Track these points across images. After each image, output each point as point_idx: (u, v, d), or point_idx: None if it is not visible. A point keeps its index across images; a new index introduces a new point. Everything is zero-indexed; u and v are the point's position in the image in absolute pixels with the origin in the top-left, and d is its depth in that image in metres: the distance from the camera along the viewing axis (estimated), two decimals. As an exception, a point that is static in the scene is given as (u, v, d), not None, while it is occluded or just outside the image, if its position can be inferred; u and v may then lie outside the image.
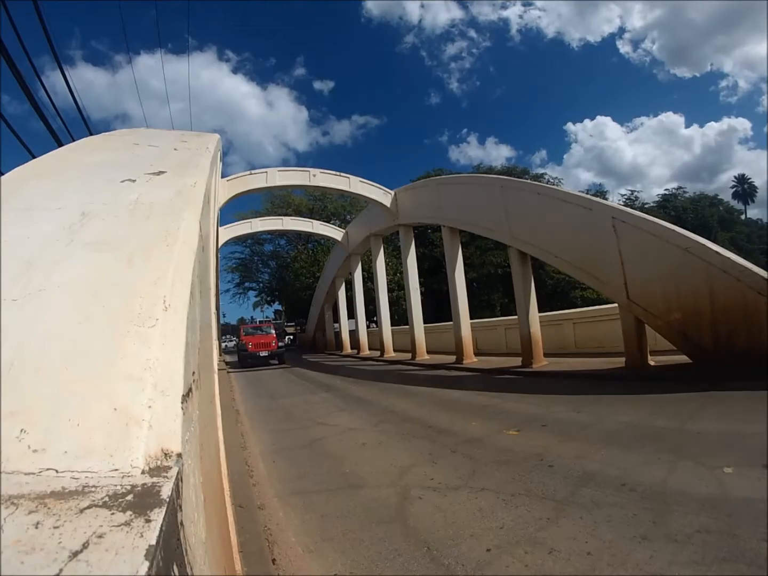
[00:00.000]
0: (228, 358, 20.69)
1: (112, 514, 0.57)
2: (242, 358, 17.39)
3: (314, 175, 12.85)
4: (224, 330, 43.55)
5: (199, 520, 0.84)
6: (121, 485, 0.63)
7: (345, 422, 5.73)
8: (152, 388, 0.79)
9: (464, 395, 6.90)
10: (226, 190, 11.50)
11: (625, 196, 40.55)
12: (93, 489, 0.62)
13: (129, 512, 0.58)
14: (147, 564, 0.50)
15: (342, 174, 13.23)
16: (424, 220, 13.99)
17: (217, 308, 19.66)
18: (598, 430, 4.10)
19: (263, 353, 16.94)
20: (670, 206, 37.89)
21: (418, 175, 29.53)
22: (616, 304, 7.62)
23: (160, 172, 1.56)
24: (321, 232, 19.57)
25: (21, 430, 0.69)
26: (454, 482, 3.19)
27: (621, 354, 7.33)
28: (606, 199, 27.17)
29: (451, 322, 11.62)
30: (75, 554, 0.50)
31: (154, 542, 0.53)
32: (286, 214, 24.17)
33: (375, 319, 19.12)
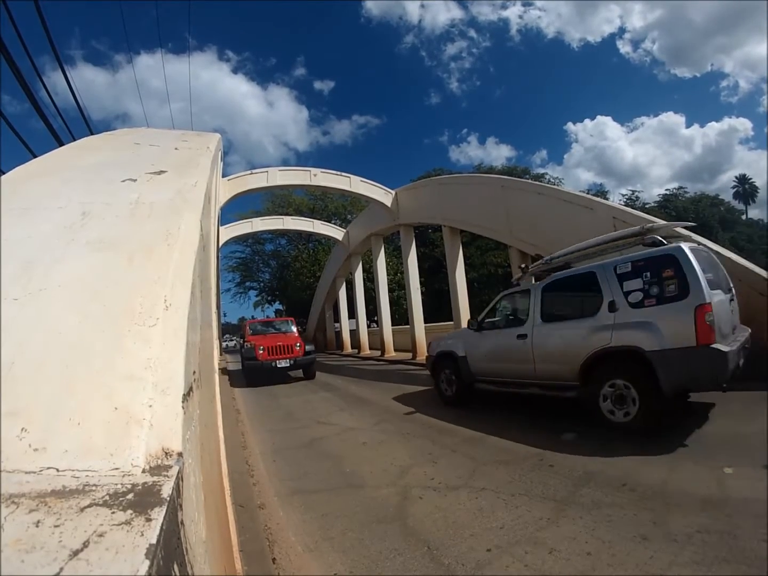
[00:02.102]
0: (229, 358, 20.48)
1: (113, 513, 0.57)
2: (249, 371, 10.36)
3: (315, 175, 12.82)
4: (224, 330, 43.61)
5: (200, 519, 0.84)
6: (121, 484, 0.63)
7: (345, 421, 5.73)
8: (153, 388, 0.79)
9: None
10: (226, 189, 11.48)
11: (626, 196, 40.69)
12: (93, 488, 0.62)
13: (129, 511, 0.58)
14: (147, 563, 0.50)
15: (343, 173, 13.20)
16: (425, 220, 13.96)
17: (218, 307, 19.49)
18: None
19: (282, 363, 10.04)
20: (670, 206, 37.89)
21: (419, 175, 29.59)
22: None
23: (161, 172, 1.56)
24: (322, 231, 19.54)
25: (22, 429, 0.69)
26: (454, 482, 3.19)
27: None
28: (607, 199, 27.15)
29: (451, 322, 11.59)
30: (75, 553, 0.51)
31: (154, 541, 0.53)
32: (286, 214, 24.16)
33: (376, 318, 19.02)
